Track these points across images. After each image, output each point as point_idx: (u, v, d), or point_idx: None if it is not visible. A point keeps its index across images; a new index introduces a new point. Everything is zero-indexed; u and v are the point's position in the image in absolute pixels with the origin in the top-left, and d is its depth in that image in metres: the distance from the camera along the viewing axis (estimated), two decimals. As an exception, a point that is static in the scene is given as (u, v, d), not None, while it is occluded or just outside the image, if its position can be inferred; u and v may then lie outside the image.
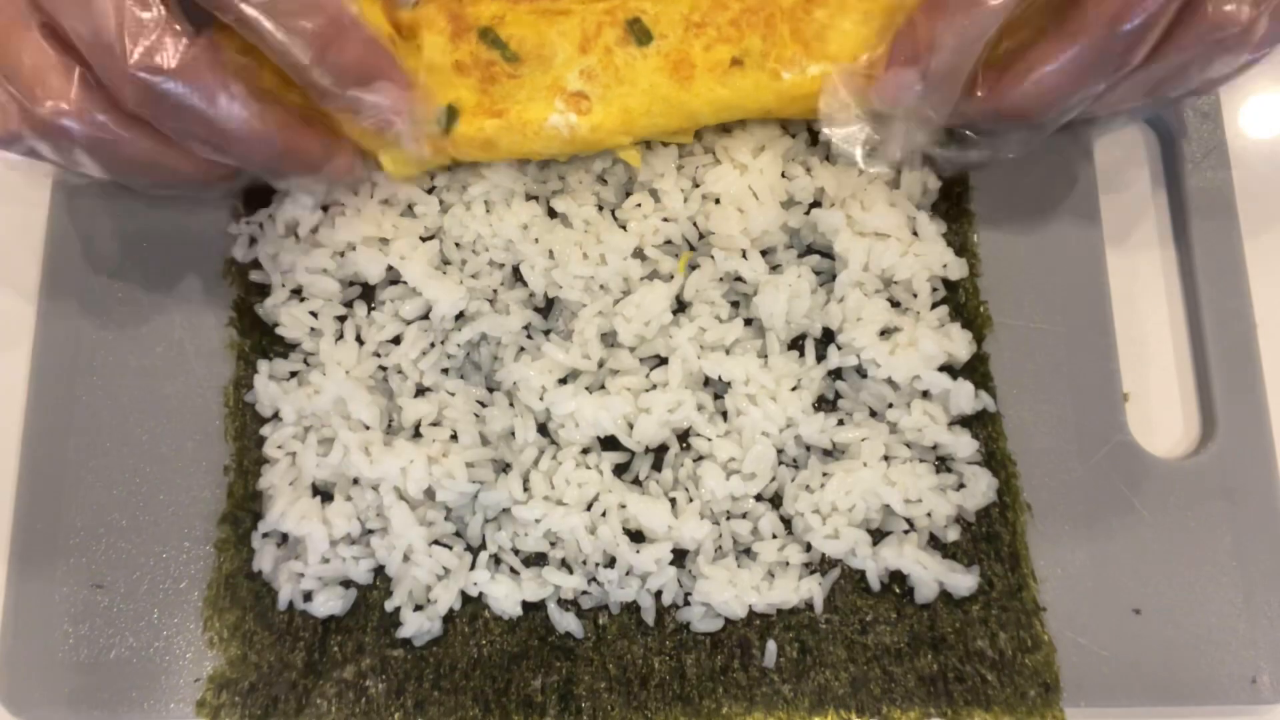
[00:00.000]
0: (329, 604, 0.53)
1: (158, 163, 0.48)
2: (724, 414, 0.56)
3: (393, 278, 0.57)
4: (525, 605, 0.54)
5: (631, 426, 0.55)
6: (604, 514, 0.54)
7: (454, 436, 0.55)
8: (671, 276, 0.57)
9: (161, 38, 0.43)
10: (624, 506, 0.54)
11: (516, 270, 0.58)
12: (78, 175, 0.49)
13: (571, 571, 0.54)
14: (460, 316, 0.57)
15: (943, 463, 0.56)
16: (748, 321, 0.57)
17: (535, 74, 0.53)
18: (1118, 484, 0.56)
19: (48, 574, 0.55)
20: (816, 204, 0.58)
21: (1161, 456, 0.57)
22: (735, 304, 0.57)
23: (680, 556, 0.54)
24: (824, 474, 0.55)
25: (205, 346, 0.58)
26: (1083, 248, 0.59)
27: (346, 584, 0.54)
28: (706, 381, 0.56)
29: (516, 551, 0.54)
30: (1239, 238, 0.59)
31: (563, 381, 0.56)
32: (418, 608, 0.54)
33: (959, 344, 0.55)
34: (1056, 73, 0.48)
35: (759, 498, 0.55)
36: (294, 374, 0.57)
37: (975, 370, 0.56)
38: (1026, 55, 0.49)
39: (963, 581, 0.53)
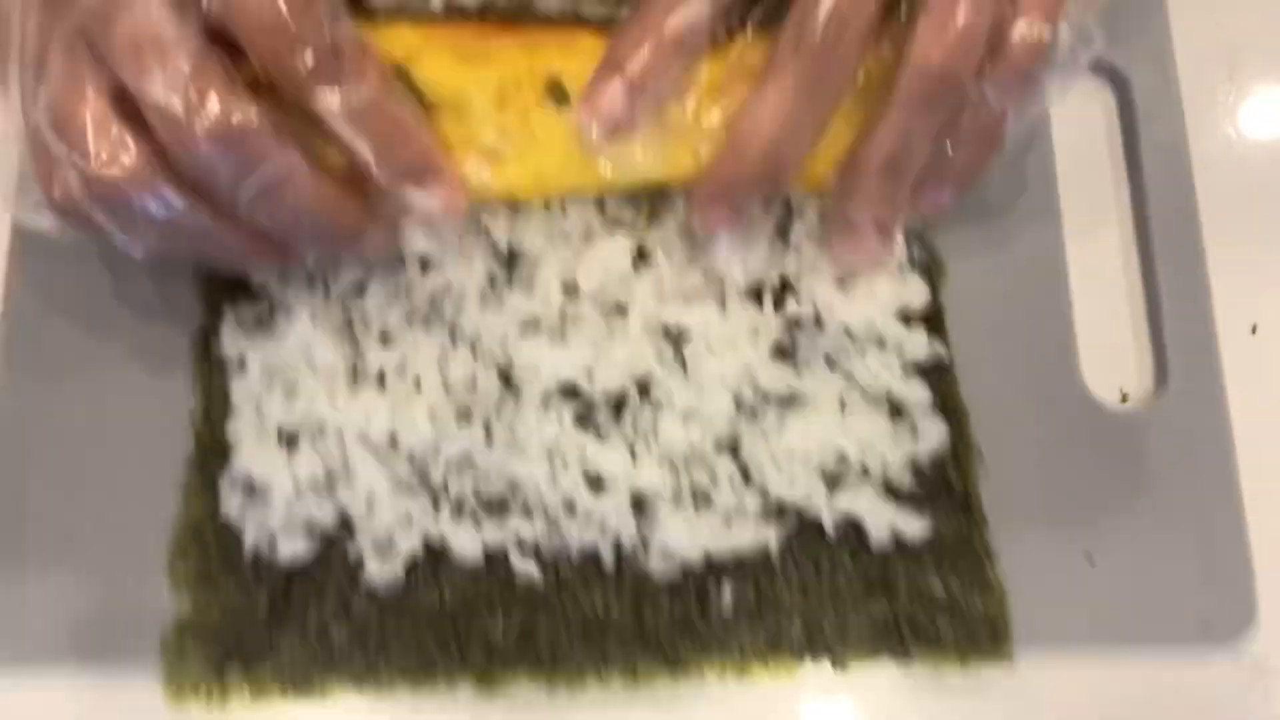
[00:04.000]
0: (293, 550, 0.54)
1: (215, 239, 0.48)
2: (683, 363, 0.57)
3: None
4: (486, 552, 0.55)
5: (591, 375, 0.56)
6: (564, 462, 0.55)
7: (417, 384, 0.56)
8: (633, 225, 0.57)
9: (228, 105, 0.43)
10: (584, 454, 0.55)
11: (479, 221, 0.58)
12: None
13: (532, 518, 0.55)
14: (425, 265, 0.57)
15: (897, 411, 0.57)
16: (706, 271, 0.57)
17: (450, 123, 0.51)
18: (1070, 434, 0.57)
19: (14, 532, 0.56)
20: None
21: (1115, 407, 0.58)
22: (695, 253, 0.58)
23: (639, 504, 0.55)
24: (781, 421, 0.55)
25: (173, 294, 0.58)
26: (1038, 196, 0.60)
27: (311, 530, 0.55)
28: (666, 331, 0.57)
29: (478, 498, 0.55)
30: (1192, 186, 0.60)
31: (524, 331, 0.56)
32: (380, 554, 0.54)
33: (915, 293, 0.56)
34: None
35: (717, 445, 0.56)
36: (260, 321, 0.57)
37: (930, 320, 0.57)
38: None
39: (915, 527, 0.54)
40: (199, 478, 0.56)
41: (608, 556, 0.55)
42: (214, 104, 0.43)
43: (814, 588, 0.54)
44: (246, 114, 0.43)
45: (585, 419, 0.56)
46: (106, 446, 0.57)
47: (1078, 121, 0.63)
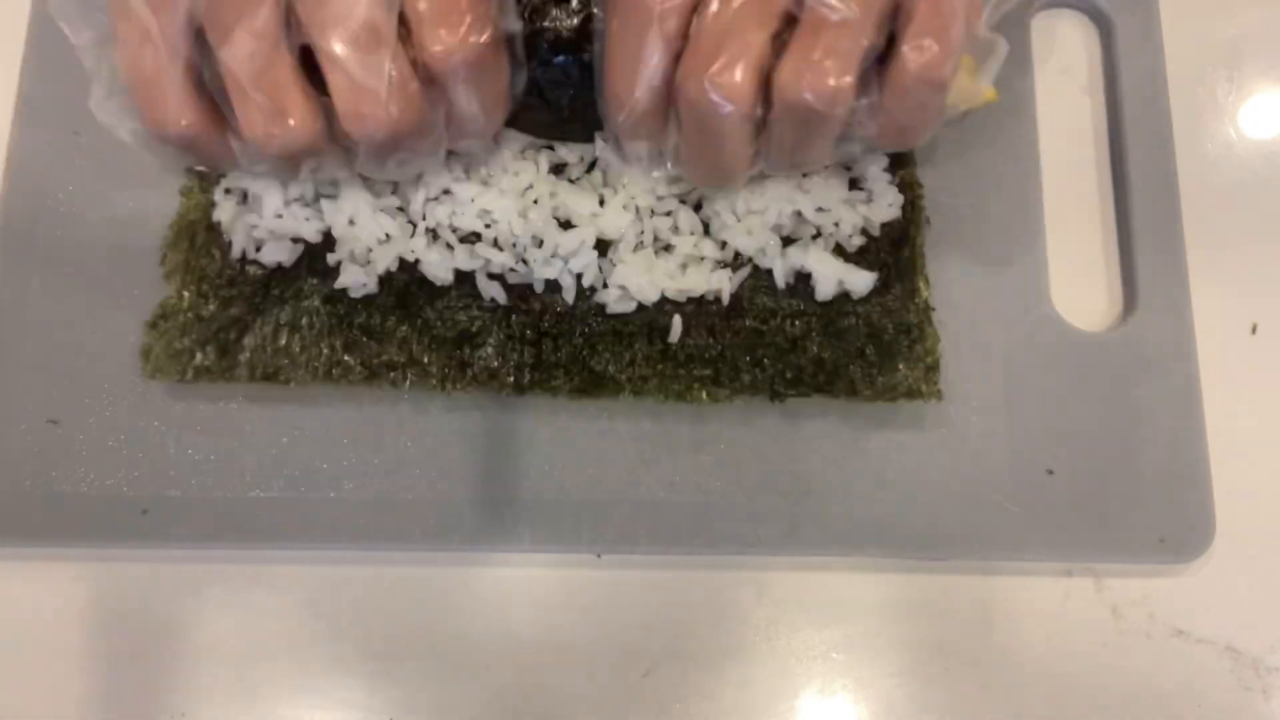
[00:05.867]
0: (277, 253, 0.58)
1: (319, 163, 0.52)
2: (658, 126, 0.60)
3: None
4: (457, 274, 0.58)
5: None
6: (536, 201, 0.58)
7: (408, 126, 0.60)
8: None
9: (415, 94, 0.47)
10: (554, 195, 0.58)
11: None
12: None
13: (502, 250, 0.58)
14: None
15: (855, 183, 0.60)
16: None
17: None
18: (1037, 354, 0.59)
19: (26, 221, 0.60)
20: None
21: (1082, 329, 0.60)
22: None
23: (603, 246, 0.58)
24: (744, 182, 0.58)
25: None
26: (1016, 124, 0.62)
27: (295, 240, 0.59)
28: (645, 99, 0.61)
29: (454, 229, 0.59)
30: (1168, 116, 0.62)
31: (511, 89, 0.60)
32: (357, 265, 0.58)
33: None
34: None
35: (682, 200, 0.59)
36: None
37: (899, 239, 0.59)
38: None
39: (861, 280, 0.57)
40: (198, 184, 0.60)
41: (569, 288, 0.58)
42: (409, 90, 0.47)
43: (762, 331, 0.57)
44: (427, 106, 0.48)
45: (560, 168, 0.60)
46: (115, 151, 0.61)
47: (1059, 53, 0.65)
